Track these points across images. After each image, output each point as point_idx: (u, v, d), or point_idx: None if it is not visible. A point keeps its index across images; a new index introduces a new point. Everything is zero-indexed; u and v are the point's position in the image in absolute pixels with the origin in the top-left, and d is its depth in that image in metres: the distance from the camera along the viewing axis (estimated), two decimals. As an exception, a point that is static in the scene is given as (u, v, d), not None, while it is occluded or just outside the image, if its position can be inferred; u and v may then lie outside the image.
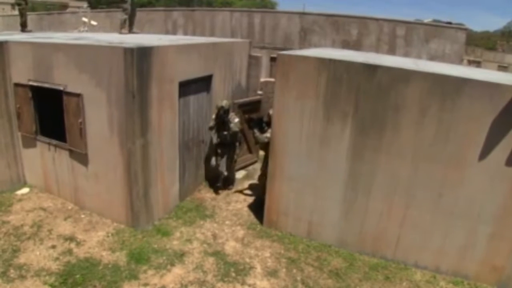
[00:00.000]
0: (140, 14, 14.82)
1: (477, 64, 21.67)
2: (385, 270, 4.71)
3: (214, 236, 5.20)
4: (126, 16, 7.73)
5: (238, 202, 6.24)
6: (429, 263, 4.71)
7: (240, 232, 5.35)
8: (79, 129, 5.12)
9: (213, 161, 6.35)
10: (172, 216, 5.57)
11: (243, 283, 4.33)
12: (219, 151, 6.30)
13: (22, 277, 4.15)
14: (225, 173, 6.44)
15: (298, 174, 5.01)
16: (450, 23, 12.30)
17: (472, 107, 4.06)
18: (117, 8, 12.64)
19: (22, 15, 8.50)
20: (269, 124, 5.62)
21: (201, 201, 6.17)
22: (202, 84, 6.09)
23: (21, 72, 5.52)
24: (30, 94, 5.53)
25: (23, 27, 8.53)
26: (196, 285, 4.24)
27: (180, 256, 4.70)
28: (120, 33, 7.70)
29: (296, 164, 5.00)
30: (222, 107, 5.87)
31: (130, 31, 7.86)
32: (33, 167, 6.06)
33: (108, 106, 4.80)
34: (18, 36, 6.64)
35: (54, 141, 5.58)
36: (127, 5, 7.64)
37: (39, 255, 4.52)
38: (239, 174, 7.18)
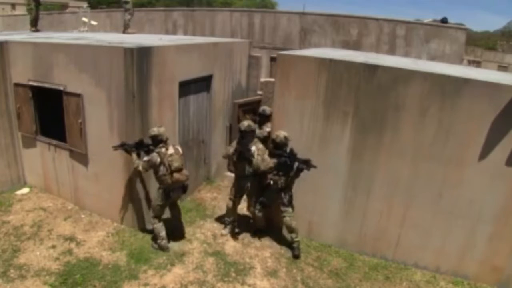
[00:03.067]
0: (140, 14, 14.87)
1: (477, 64, 21.64)
2: (385, 270, 4.71)
3: (214, 236, 5.20)
4: (130, 17, 7.73)
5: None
6: (429, 263, 4.71)
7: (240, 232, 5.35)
8: (79, 129, 5.12)
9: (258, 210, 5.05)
10: (172, 216, 5.56)
11: (243, 283, 4.33)
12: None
13: (22, 277, 4.15)
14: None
15: (298, 174, 5.00)
16: (445, 18, 12.23)
17: (472, 107, 4.06)
18: (118, 8, 12.63)
19: (30, 14, 8.56)
20: None
21: (201, 201, 6.17)
22: (202, 84, 6.09)
23: (21, 72, 5.52)
24: (30, 94, 5.53)
25: (31, 26, 8.56)
26: (196, 285, 4.24)
27: (180, 256, 4.70)
28: (127, 33, 7.70)
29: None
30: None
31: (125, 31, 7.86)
32: (33, 167, 6.06)
33: (108, 106, 4.80)
34: (18, 36, 6.64)
35: (54, 141, 5.58)
36: (130, 6, 7.64)
37: (39, 255, 4.52)
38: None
